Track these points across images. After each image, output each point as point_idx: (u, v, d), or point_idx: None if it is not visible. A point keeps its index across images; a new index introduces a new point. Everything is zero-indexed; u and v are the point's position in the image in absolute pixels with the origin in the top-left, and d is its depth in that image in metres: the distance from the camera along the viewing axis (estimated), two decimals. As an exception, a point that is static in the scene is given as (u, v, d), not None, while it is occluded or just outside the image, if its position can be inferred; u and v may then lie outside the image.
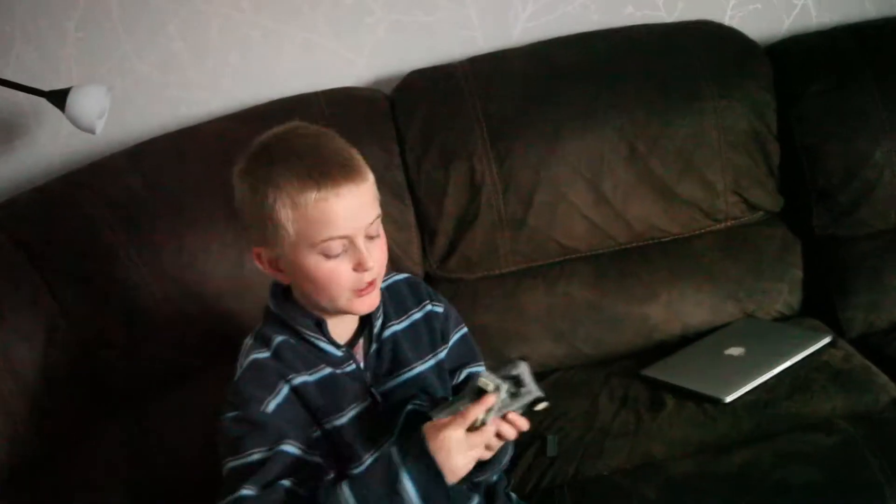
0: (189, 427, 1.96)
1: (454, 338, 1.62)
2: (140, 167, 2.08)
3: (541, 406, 1.39)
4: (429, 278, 2.21)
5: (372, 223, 1.40)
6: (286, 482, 1.34)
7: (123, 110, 2.24)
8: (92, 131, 2.06)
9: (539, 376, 2.07)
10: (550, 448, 1.89)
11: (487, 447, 1.36)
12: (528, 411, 1.39)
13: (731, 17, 2.40)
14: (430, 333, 1.57)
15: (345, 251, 1.38)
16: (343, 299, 1.41)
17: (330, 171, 1.35)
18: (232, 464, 1.37)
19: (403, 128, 2.18)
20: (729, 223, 2.25)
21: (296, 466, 1.36)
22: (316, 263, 1.38)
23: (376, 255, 1.40)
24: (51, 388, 1.82)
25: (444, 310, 1.61)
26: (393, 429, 1.48)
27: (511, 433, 1.37)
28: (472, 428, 1.33)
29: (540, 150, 2.15)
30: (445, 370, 1.58)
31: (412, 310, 1.57)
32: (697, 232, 2.25)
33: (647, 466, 1.80)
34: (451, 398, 1.44)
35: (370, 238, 1.40)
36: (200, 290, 2.00)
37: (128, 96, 2.27)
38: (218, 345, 2.00)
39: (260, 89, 2.30)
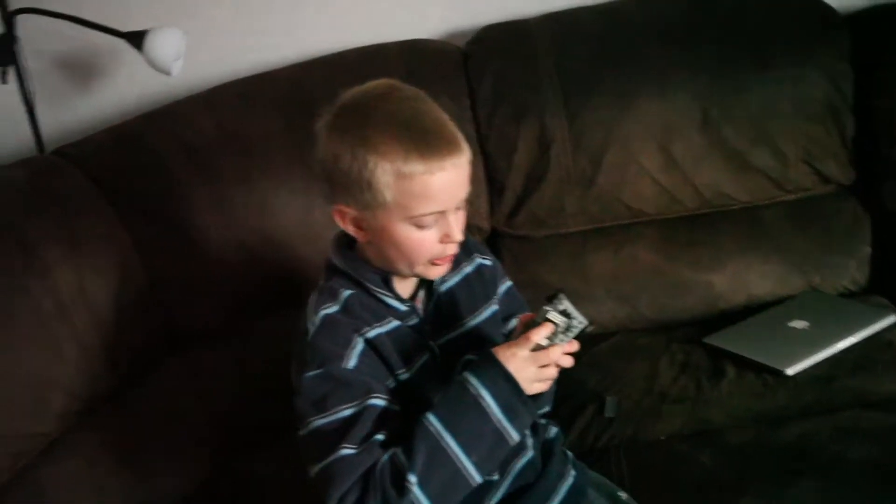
0: (250, 372, 2.00)
1: (501, 289, 1.63)
2: (214, 111, 2.11)
3: (589, 329, 1.40)
4: (495, 234, 2.23)
5: (466, 196, 1.39)
6: (380, 436, 1.34)
7: (198, 54, 2.26)
8: (168, 73, 2.09)
9: (600, 338, 2.15)
10: (609, 409, 1.90)
11: (547, 377, 1.36)
12: (578, 337, 1.40)
13: (811, -17, 2.35)
14: (483, 286, 1.57)
15: (435, 223, 1.37)
16: (420, 265, 1.41)
17: (436, 144, 1.33)
18: (318, 422, 1.35)
19: (476, 82, 2.18)
20: (799, 194, 2.23)
21: (385, 418, 1.36)
22: (406, 232, 1.37)
23: (462, 226, 1.40)
24: (122, 322, 1.85)
25: (493, 262, 1.62)
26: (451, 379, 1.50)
27: (568, 360, 1.37)
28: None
29: (612, 109, 2.14)
30: (500, 321, 1.59)
31: (464, 263, 1.57)
32: (766, 202, 2.23)
33: (705, 433, 1.80)
34: None
35: (458, 211, 1.40)
36: (268, 235, 2.02)
37: (203, 41, 2.29)
38: (283, 289, 2.05)
39: (333, 38, 2.30)
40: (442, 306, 1.51)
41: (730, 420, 1.82)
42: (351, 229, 1.42)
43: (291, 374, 1.43)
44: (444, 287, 1.51)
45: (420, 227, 1.36)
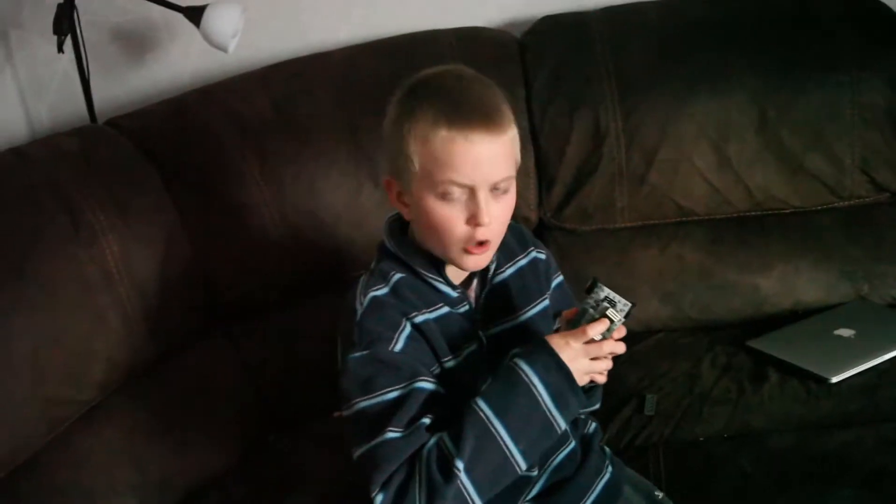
0: (293, 351, 2.01)
1: (555, 283, 1.62)
2: (269, 89, 2.11)
3: (633, 309, 1.38)
4: (542, 226, 2.21)
5: (500, 181, 1.35)
6: (427, 420, 1.33)
7: (254, 32, 2.26)
8: (225, 49, 2.09)
9: (642, 336, 2.14)
10: (648, 407, 1.88)
11: (599, 371, 1.36)
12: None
13: (876, -12, 2.31)
14: (536, 280, 1.56)
15: (461, 198, 1.35)
16: (454, 251, 1.38)
17: (468, 114, 1.32)
18: (363, 403, 1.34)
19: (531, 73, 2.17)
20: (852, 201, 2.19)
21: (432, 402, 1.35)
22: (433, 204, 1.35)
23: (495, 213, 1.35)
24: (166, 294, 1.86)
25: (546, 257, 1.61)
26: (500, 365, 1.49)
27: (621, 346, 1.37)
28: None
29: (669, 106, 2.12)
30: (550, 316, 1.57)
31: (518, 255, 1.56)
32: (819, 207, 2.20)
33: (745, 437, 1.78)
34: None
35: (495, 194, 1.36)
36: (317, 215, 2.02)
37: (260, 18, 2.29)
38: (327, 270, 2.06)
39: (390, 22, 2.30)
40: (495, 297, 1.50)
41: (771, 425, 1.81)
42: (397, 204, 1.43)
43: (338, 353, 1.42)
44: (498, 278, 1.50)
45: (445, 198, 1.34)
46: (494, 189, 1.35)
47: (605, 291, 1.36)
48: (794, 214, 2.20)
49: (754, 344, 2.03)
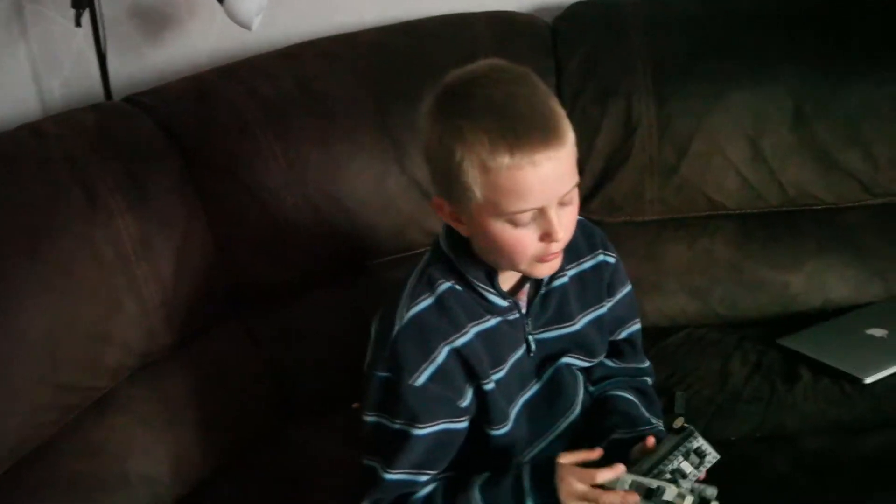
0: (312, 341, 1.97)
1: (620, 294, 1.55)
2: (294, 68, 2.05)
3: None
4: (568, 216, 2.16)
5: (569, 191, 1.28)
6: (425, 474, 1.36)
7: (278, 11, 2.21)
8: (248, 27, 2.04)
9: (668, 331, 2.09)
10: (678, 405, 1.84)
11: None
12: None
13: (916, -17, 2.27)
14: (598, 285, 1.51)
15: (534, 220, 1.27)
16: (524, 264, 1.32)
17: (526, 134, 1.22)
18: (374, 419, 1.35)
19: (563, 59, 2.13)
20: (886, 199, 2.15)
21: (437, 445, 1.35)
22: (501, 229, 1.28)
23: (566, 224, 1.29)
24: (184, 278, 1.81)
25: (616, 262, 1.54)
26: (540, 378, 1.45)
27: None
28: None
29: (703, 97, 2.07)
30: (606, 326, 1.53)
31: (584, 257, 1.49)
32: (852, 204, 2.16)
33: (779, 438, 1.75)
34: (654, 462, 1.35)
35: (563, 205, 1.28)
36: (341, 199, 1.96)
37: (284, -2, 2.25)
38: (350, 257, 2.02)
39: (418, 4, 2.24)
40: (550, 301, 1.45)
41: (805, 425, 1.78)
42: (450, 222, 1.35)
43: (368, 350, 1.39)
44: (557, 282, 1.44)
45: (516, 224, 1.27)
46: (562, 202, 1.28)
47: (699, 441, 1.32)
48: (825, 211, 2.16)
49: (785, 342, 2.00)
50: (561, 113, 1.28)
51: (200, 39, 2.32)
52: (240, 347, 1.93)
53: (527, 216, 1.26)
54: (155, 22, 2.31)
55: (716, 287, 2.13)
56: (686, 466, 1.31)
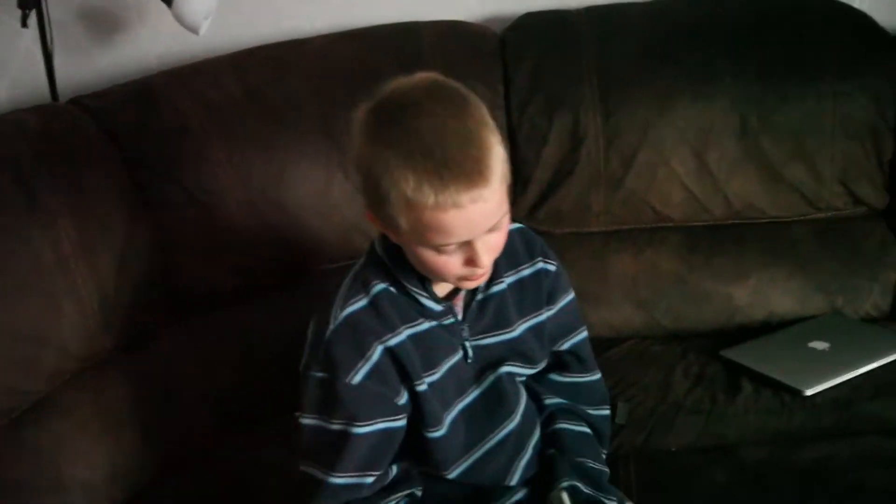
0: (254, 344, 1.95)
1: (561, 303, 1.54)
2: (241, 73, 2.04)
3: None
4: (515, 227, 2.16)
5: (496, 223, 1.27)
6: (370, 477, 1.35)
7: (227, 16, 2.19)
8: (196, 31, 2.03)
9: (613, 342, 2.10)
10: (620, 415, 1.84)
11: None
12: None
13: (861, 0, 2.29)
14: (537, 293, 1.50)
15: (459, 248, 1.27)
16: (451, 280, 1.33)
17: (452, 177, 1.20)
18: (311, 421, 1.34)
19: (512, 70, 2.13)
20: (830, 213, 2.17)
21: (379, 443, 1.34)
22: (427, 254, 1.28)
23: (492, 247, 1.29)
24: (125, 282, 1.79)
25: (556, 269, 1.53)
26: (480, 384, 1.44)
27: None
28: None
29: (649, 109, 2.08)
30: (546, 334, 1.52)
31: (523, 265, 1.49)
32: (796, 218, 2.17)
33: (719, 448, 1.76)
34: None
35: (491, 232, 1.28)
36: (286, 204, 1.96)
37: (233, 2, 2.23)
38: (293, 262, 2.01)
39: (368, 12, 2.24)
40: (487, 308, 1.44)
41: (745, 437, 1.78)
42: (385, 231, 1.34)
43: (304, 351, 1.38)
44: (494, 289, 1.44)
45: (440, 252, 1.27)
46: (489, 230, 1.27)
47: None
48: (770, 224, 2.18)
49: (728, 354, 2.00)
50: (492, 146, 1.25)
51: (150, 43, 2.30)
52: (182, 352, 1.90)
53: (451, 247, 1.27)
54: (104, 24, 2.29)
55: (661, 299, 2.14)
56: None
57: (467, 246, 1.27)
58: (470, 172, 1.21)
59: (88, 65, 2.31)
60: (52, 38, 2.13)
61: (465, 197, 1.21)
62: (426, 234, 1.25)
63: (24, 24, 2.05)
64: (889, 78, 2.12)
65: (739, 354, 2.00)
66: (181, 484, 1.77)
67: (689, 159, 2.10)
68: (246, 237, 1.94)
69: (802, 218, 2.18)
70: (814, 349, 1.98)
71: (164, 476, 1.78)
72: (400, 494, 1.38)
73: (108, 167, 1.87)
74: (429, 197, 1.20)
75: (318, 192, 1.98)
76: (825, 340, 2.00)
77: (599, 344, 2.06)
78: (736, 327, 2.12)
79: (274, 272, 1.99)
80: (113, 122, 1.93)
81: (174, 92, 1.99)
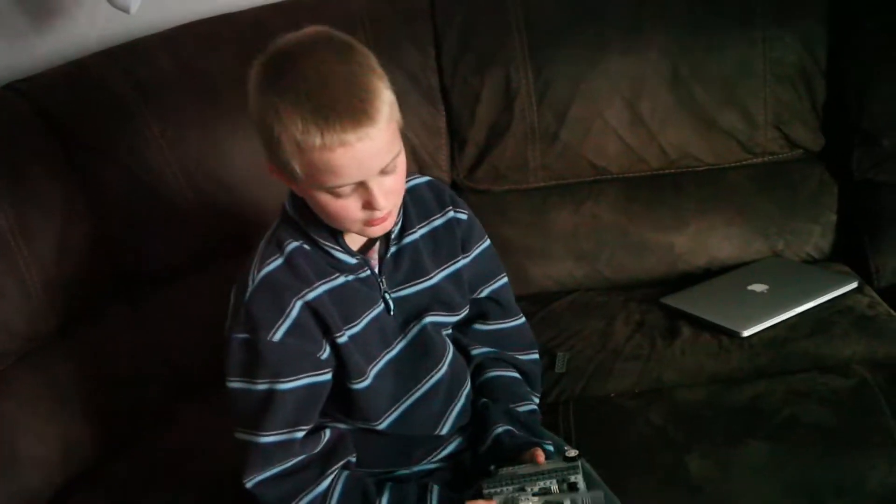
0: (199, 320, 1.91)
1: (476, 250, 1.57)
2: (173, 50, 2.05)
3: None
4: (455, 187, 2.18)
5: (388, 164, 1.30)
6: (300, 431, 1.37)
7: (160, -6, 2.21)
8: (126, 10, 2.03)
9: (556, 295, 2.12)
10: (559, 364, 1.87)
11: None
12: None
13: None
14: (451, 242, 1.53)
15: (355, 191, 1.30)
16: (355, 227, 1.35)
17: (337, 116, 1.24)
18: (238, 384, 1.36)
19: (442, 30, 2.14)
20: (766, 158, 2.19)
21: (306, 399, 1.37)
22: (325, 200, 1.31)
23: (389, 188, 1.32)
24: (66, 262, 1.81)
25: (468, 218, 1.56)
26: (405, 336, 1.47)
27: None
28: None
29: (580, 63, 2.10)
30: (464, 281, 1.54)
31: (434, 215, 1.52)
32: (733, 164, 2.19)
33: (656, 392, 1.79)
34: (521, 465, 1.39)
35: (385, 174, 1.31)
36: (224, 177, 1.98)
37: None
38: (235, 234, 2.00)
39: (300, -19, 2.23)
40: (401, 258, 1.47)
41: (682, 379, 1.81)
42: (289, 185, 1.38)
43: (227, 316, 1.40)
44: (407, 239, 1.47)
45: (337, 196, 1.30)
46: (383, 172, 1.30)
47: (578, 478, 1.32)
48: (708, 172, 2.20)
49: (668, 301, 2.04)
50: (378, 88, 1.28)
51: (87, 26, 2.28)
52: (128, 329, 1.93)
53: (346, 189, 1.29)
54: (41, 10, 2.28)
55: (602, 251, 2.17)
56: (554, 488, 1.33)
57: (363, 188, 1.29)
58: (354, 111, 1.25)
59: (29, 51, 2.29)
60: (-11, 26, 2.13)
61: (351, 136, 1.24)
62: (319, 176, 1.27)
63: (-42, 12, 2.06)
64: (819, 20, 2.13)
65: (679, 301, 2.03)
66: (133, 455, 1.80)
67: (623, 111, 2.12)
68: (186, 212, 1.96)
69: (739, 164, 2.20)
70: (752, 292, 2.01)
71: (118, 449, 1.80)
72: (336, 467, 1.40)
73: (43, 149, 1.88)
74: (315, 137, 1.24)
75: (256, 164, 1.92)
76: (764, 283, 2.03)
77: (543, 298, 2.12)
78: (678, 275, 2.15)
79: (216, 246, 2.01)
80: (47, 104, 1.94)
81: (105, 71, 2.00)
